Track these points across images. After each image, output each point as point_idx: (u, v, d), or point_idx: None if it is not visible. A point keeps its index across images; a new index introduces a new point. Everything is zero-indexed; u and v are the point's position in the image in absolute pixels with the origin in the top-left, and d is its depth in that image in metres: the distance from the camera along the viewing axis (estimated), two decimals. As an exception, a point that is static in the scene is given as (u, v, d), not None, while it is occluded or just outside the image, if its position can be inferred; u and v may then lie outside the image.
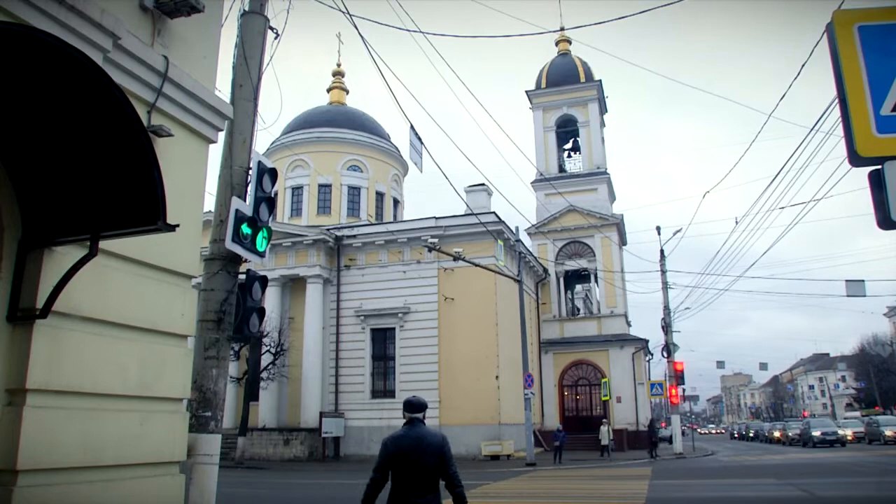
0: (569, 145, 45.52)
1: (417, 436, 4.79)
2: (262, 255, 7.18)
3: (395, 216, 44.05)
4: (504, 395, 30.24)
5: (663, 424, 54.39)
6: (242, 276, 7.30)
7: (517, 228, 32.50)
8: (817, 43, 7.34)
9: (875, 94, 3.33)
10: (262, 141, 50.99)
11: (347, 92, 47.77)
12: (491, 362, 30.14)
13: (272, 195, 7.37)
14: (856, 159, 3.34)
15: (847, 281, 30.71)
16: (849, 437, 38.74)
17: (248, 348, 30.34)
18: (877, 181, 3.24)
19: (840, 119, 3.41)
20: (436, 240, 30.54)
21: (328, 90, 47.59)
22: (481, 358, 30.05)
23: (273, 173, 7.40)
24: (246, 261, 7.23)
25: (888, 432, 35.99)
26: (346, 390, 32.56)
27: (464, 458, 27.85)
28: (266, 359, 30.92)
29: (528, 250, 37.11)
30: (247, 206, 7.03)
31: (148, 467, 5.24)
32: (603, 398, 34.51)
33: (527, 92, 44.36)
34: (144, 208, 4.24)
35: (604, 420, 31.88)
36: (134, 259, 5.16)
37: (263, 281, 7.39)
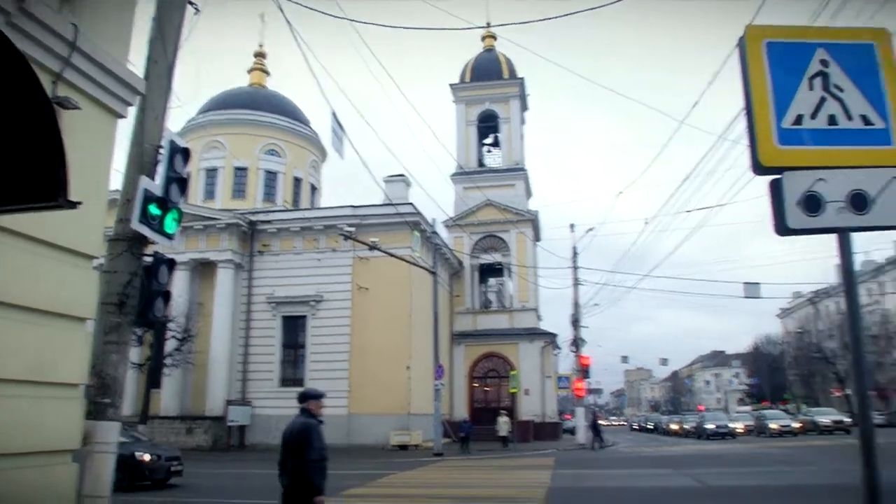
0: (489, 140, 46.03)
1: (294, 424, 5.69)
2: (170, 237, 6.95)
3: (312, 203, 43.41)
4: (415, 385, 30.37)
5: (567, 417, 55.94)
6: (149, 259, 7.03)
7: (434, 220, 32.65)
8: (729, 55, 7.68)
9: (778, 108, 3.50)
10: (176, 120, 49.05)
11: (268, 74, 46.58)
12: (403, 353, 30.21)
13: (184, 176, 7.14)
14: (758, 168, 3.50)
15: (745, 283, 32.51)
16: (739, 430, 40.90)
17: (151, 333, 29.23)
18: (776, 190, 3.41)
19: (746, 129, 3.56)
20: (352, 228, 30.31)
21: (248, 71, 46.24)
22: (393, 348, 30.09)
23: (186, 153, 7.16)
24: (154, 243, 6.97)
25: (773, 426, 38.21)
26: (254, 378, 31.95)
27: (372, 448, 27.83)
28: (171, 344, 29.87)
29: (444, 243, 37.34)
30: (156, 186, 6.76)
31: (39, 456, 4.97)
32: (511, 390, 35.08)
33: (451, 85, 44.58)
34: (44, 183, 4.00)
35: (501, 411, 32.65)
36: (31, 236, 4.87)
37: (171, 264, 7.13)
